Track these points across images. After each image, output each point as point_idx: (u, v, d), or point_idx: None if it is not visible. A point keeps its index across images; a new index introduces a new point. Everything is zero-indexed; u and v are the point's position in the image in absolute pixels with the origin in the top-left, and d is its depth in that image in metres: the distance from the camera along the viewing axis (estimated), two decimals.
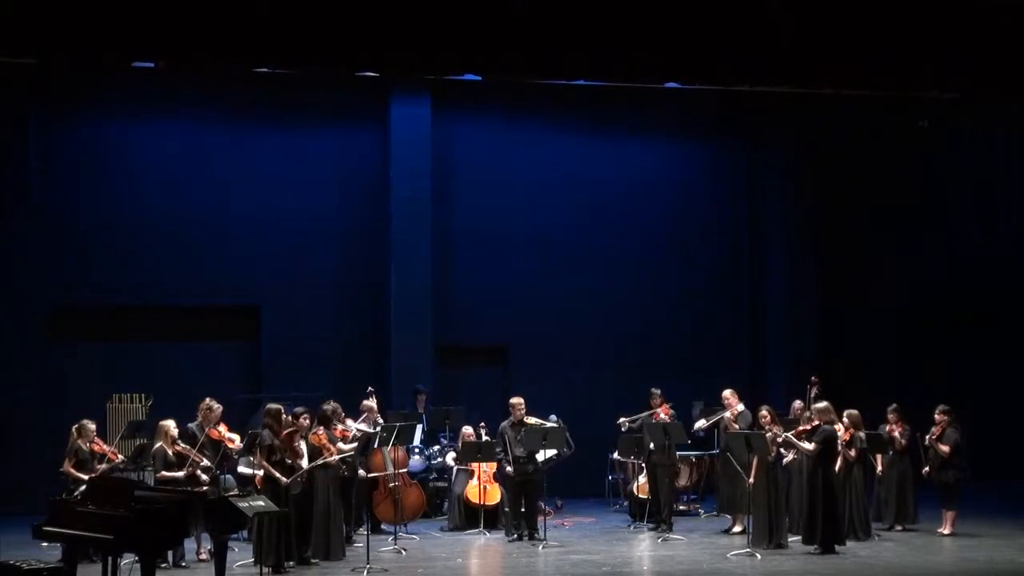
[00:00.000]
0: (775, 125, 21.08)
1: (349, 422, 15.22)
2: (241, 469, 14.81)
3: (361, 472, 15.64)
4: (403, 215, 19.44)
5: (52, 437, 15.65)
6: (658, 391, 16.75)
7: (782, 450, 14.74)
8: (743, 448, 14.64)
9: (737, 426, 15.75)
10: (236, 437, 14.33)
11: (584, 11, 13.86)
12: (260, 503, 11.76)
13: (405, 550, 14.66)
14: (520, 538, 15.43)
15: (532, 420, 15.78)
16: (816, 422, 14.54)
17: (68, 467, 13.93)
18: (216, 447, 14.08)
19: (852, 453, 15.11)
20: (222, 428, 14.27)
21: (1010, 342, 21.37)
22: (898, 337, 21.60)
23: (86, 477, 13.46)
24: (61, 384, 18.05)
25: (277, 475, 13.21)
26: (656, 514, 16.10)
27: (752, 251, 21.37)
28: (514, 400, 15.85)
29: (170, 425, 13.81)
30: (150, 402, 17.71)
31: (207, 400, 14.34)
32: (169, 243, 18.91)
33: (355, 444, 14.79)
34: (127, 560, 11.49)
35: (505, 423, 15.74)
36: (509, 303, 20.16)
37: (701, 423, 16.79)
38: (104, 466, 14.01)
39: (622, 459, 17.33)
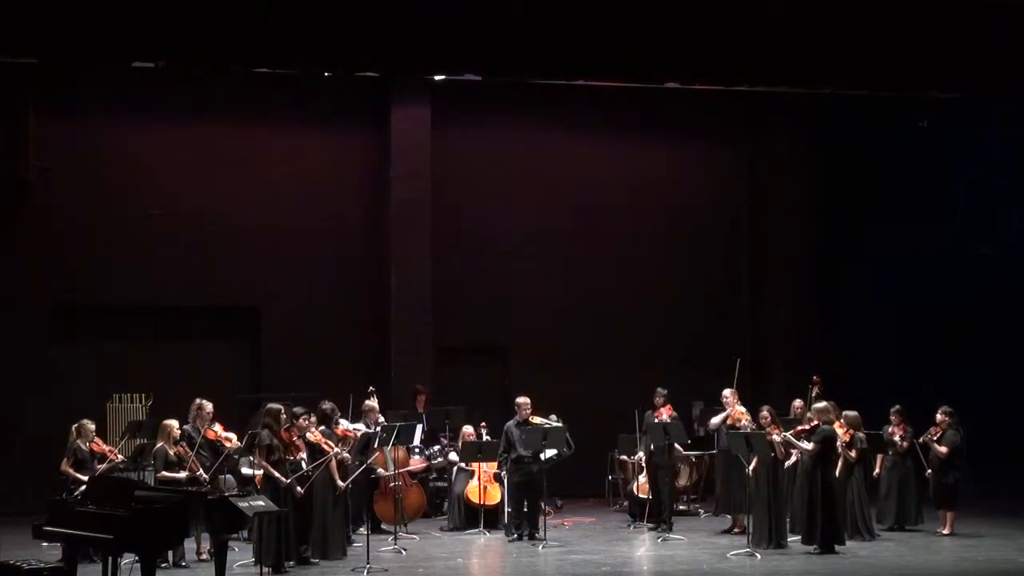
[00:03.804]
0: (775, 125, 21.09)
1: (343, 422, 15.16)
2: (244, 470, 14.80)
3: (381, 471, 15.80)
4: (403, 215, 19.45)
5: (52, 437, 15.64)
6: (664, 391, 16.62)
7: (787, 450, 14.74)
8: (743, 448, 14.67)
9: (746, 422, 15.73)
10: (233, 436, 14.32)
11: (584, 11, 13.85)
12: (260, 503, 11.76)
13: (405, 550, 14.67)
14: (520, 538, 15.43)
15: (538, 420, 15.78)
16: (815, 422, 14.57)
17: (67, 467, 13.94)
18: (213, 447, 14.06)
19: (852, 454, 15.12)
20: (218, 427, 14.25)
21: (1010, 342, 21.37)
22: (898, 337, 21.60)
23: (85, 477, 13.49)
24: (61, 384, 18.04)
25: (277, 475, 13.22)
26: (656, 514, 16.11)
27: (752, 251, 21.37)
28: (520, 399, 15.84)
29: (173, 425, 13.81)
30: (150, 402, 17.72)
31: (197, 400, 14.32)
32: (169, 243, 18.90)
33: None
34: (127, 560, 11.49)
35: (510, 422, 15.74)
36: (509, 303, 20.16)
37: (715, 421, 16.48)
38: (104, 466, 14.01)
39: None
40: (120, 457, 14.49)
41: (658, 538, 15.64)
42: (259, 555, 13.12)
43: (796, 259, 21.09)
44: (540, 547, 14.99)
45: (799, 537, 14.64)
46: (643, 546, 15.43)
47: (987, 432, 18.95)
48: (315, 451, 13.72)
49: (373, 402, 15.96)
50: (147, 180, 18.94)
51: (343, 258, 19.68)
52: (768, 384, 20.08)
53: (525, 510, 15.54)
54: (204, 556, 13.66)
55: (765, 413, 15.00)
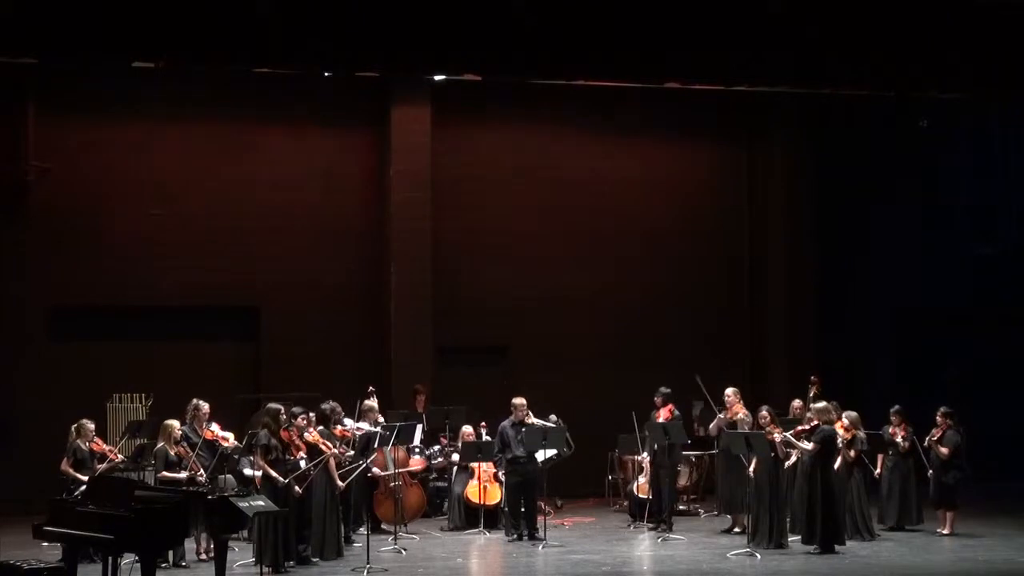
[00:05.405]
0: (775, 125, 21.08)
1: (348, 421, 15.21)
2: (247, 471, 14.80)
3: (376, 470, 15.75)
4: (403, 215, 19.44)
5: (52, 437, 15.62)
6: (666, 391, 16.60)
7: (787, 450, 14.74)
8: (743, 448, 14.67)
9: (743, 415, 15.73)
10: (230, 436, 14.31)
11: (585, 11, 13.86)
12: (260, 503, 11.77)
13: (405, 550, 14.67)
14: (520, 538, 15.43)
15: (532, 420, 15.77)
16: (815, 422, 14.57)
17: (66, 467, 13.94)
18: (211, 448, 14.06)
19: (852, 454, 15.12)
20: (215, 427, 14.24)
21: (1010, 342, 21.37)
22: (898, 337, 21.60)
23: (84, 477, 13.48)
24: (61, 384, 18.04)
25: (275, 475, 13.22)
26: (656, 514, 16.11)
27: (752, 251, 21.37)
28: (516, 400, 15.85)
29: (174, 425, 13.82)
30: (150, 402, 17.72)
31: (194, 401, 14.32)
32: (169, 243, 18.89)
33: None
34: (127, 560, 11.49)
35: (505, 422, 15.75)
36: (509, 303, 20.15)
37: (716, 421, 16.47)
38: (104, 466, 14.01)
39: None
40: (120, 457, 14.49)
41: (658, 538, 15.64)
42: (259, 555, 13.12)
43: (796, 258, 21.08)
44: (540, 547, 14.99)
45: (799, 537, 14.64)
46: (643, 546, 15.43)
47: (987, 432, 18.98)
48: (313, 451, 13.72)
49: (373, 402, 15.97)
50: (147, 180, 18.93)
51: (343, 258, 19.68)
52: (768, 384, 20.08)
53: (522, 510, 15.54)
54: (204, 556, 13.66)
55: (764, 413, 15.01)
